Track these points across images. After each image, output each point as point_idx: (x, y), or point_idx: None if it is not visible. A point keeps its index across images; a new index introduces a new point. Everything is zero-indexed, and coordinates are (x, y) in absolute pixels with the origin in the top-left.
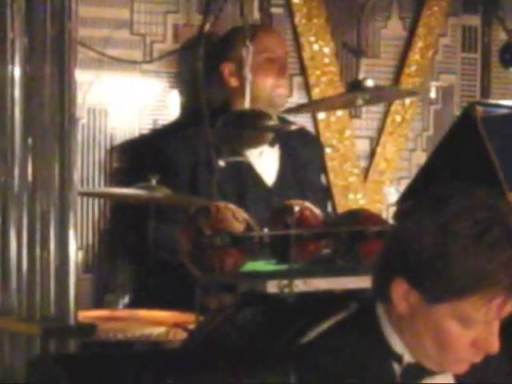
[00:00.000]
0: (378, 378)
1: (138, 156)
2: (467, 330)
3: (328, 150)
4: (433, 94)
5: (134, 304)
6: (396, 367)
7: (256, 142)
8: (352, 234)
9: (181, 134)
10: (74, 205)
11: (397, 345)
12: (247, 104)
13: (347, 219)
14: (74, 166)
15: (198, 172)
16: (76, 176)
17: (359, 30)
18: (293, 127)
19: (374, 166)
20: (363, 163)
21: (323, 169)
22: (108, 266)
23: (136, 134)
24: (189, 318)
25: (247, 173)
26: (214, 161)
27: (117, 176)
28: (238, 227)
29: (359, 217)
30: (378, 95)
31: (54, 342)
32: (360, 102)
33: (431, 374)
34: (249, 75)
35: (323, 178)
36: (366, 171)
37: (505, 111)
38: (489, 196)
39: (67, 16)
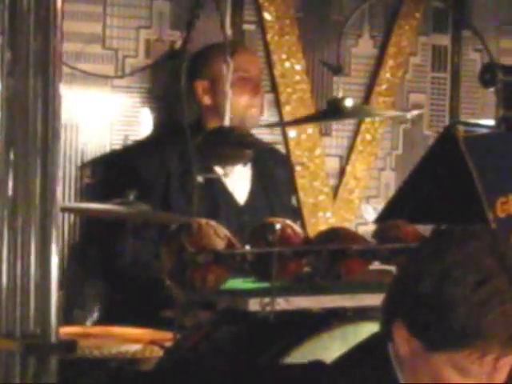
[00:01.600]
0: None
1: (110, 172)
2: (468, 379)
3: (298, 168)
4: (408, 116)
5: (102, 320)
6: None
7: (236, 160)
8: (333, 253)
9: (153, 150)
10: (56, 220)
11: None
12: (227, 121)
13: (327, 237)
14: (57, 180)
15: (171, 188)
16: (58, 191)
17: (332, 48)
18: (274, 146)
19: (344, 184)
20: (333, 181)
21: (294, 189)
22: (77, 281)
23: (107, 149)
24: (164, 336)
25: (219, 190)
26: (194, 177)
27: (87, 192)
28: (220, 244)
29: (340, 235)
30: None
31: (33, 358)
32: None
33: None
34: (229, 91)
35: (293, 199)
36: (336, 189)
37: (485, 131)
38: (497, 241)
39: (52, 29)
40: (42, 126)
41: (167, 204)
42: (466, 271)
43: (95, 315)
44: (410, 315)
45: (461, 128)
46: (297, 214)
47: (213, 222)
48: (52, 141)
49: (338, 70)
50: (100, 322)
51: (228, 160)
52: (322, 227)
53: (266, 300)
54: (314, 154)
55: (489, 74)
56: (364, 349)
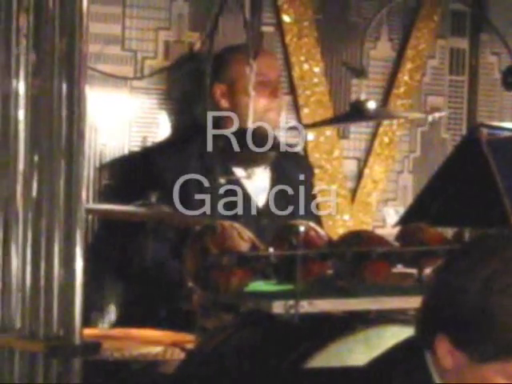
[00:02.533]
0: None
1: (129, 174)
2: None
3: (316, 171)
4: (431, 119)
5: (120, 322)
6: None
7: (259, 162)
8: (356, 255)
9: (172, 151)
10: (82, 221)
11: None
12: (250, 123)
13: (351, 240)
14: (82, 181)
15: (189, 190)
16: (84, 192)
17: (351, 50)
18: (296, 149)
19: (362, 187)
20: (350, 184)
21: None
22: (95, 283)
23: (125, 151)
24: (185, 338)
25: (238, 193)
26: (217, 178)
27: (106, 193)
28: (244, 246)
29: (363, 237)
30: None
31: (56, 360)
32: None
33: None
34: (252, 93)
35: (314, 204)
36: (354, 192)
37: (508, 134)
38: None
39: (78, 31)
40: (67, 127)
41: (186, 206)
42: (509, 279)
43: (113, 317)
44: (454, 329)
45: (484, 131)
46: (317, 218)
47: (237, 224)
48: (77, 142)
49: (360, 73)
50: (118, 324)
51: (251, 162)
52: (340, 230)
53: (290, 302)
54: (332, 156)
55: (511, 76)
56: (398, 353)
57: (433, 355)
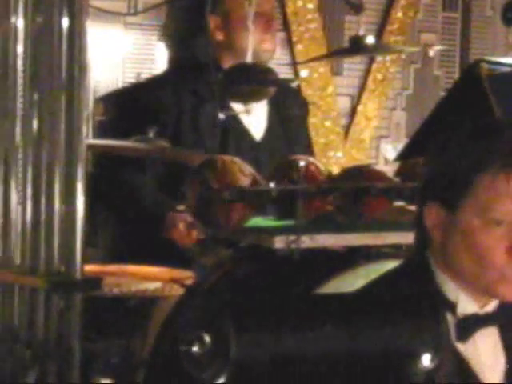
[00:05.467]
0: (431, 329)
1: (122, 109)
2: (495, 232)
3: (309, 107)
4: (431, 54)
5: (116, 259)
6: (449, 318)
7: (258, 96)
8: (356, 190)
9: (164, 86)
10: (83, 157)
11: (450, 291)
12: (250, 57)
13: (351, 175)
14: (83, 116)
15: (182, 125)
16: (85, 128)
17: None
18: (295, 83)
19: (355, 124)
20: (343, 121)
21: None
22: (89, 220)
23: (119, 87)
24: (183, 274)
25: (233, 127)
26: (217, 114)
27: (100, 129)
28: (245, 181)
29: (363, 173)
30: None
31: (57, 295)
32: None
33: (485, 324)
34: (251, 27)
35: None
36: (347, 129)
37: (508, 69)
38: None
39: None
40: (68, 61)
41: (177, 141)
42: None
43: (108, 254)
44: (438, 187)
45: (484, 66)
46: (312, 153)
47: (237, 159)
48: (79, 76)
49: (359, 8)
50: (113, 260)
51: (250, 97)
52: (333, 168)
53: (291, 237)
54: (326, 93)
55: (511, 12)
56: (397, 271)
57: (430, 248)
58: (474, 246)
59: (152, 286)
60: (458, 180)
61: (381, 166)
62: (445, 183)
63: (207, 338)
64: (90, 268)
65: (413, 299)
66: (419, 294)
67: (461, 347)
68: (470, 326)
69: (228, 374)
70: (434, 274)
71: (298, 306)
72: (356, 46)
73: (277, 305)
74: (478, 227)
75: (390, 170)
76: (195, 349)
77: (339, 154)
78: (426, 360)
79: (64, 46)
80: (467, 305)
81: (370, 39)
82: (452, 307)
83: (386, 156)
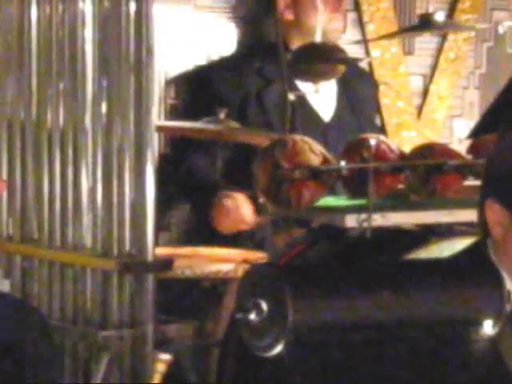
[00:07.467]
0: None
1: (190, 91)
2: None
3: (382, 88)
4: (501, 30)
5: (188, 242)
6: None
7: (329, 75)
8: (428, 168)
9: (230, 68)
10: (152, 139)
11: (506, 281)
12: (318, 37)
13: (423, 153)
14: (152, 100)
15: (247, 106)
16: (154, 110)
17: None
18: (364, 61)
19: (428, 103)
20: (416, 100)
21: (377, 107)
22: (162, 203)
23: (189, 69)
24: (255, 255)
25: (302, 108)
26: (285, 94)
27: (171, 111)
28: (315, 160)
29: (435, 150)
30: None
31: (129, 277)
32: None
33: None
34: (320, 6)
35: (377, 118)
36: (420, 109)
37: None
38: None
39: None
40: (135, 45)
41: (244, 122)
42: None
43: (181, 237)
44: (499, 185)
45: None
46: (382, 132)
47: (307, 138)
48: (146, 60)
49: None
50: (185, 243)
51: (319, 76)
52: (406, 147)
53: (363, 216)
54: (398, 72)
55: None
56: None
57: (490, 239)
58: None
59: (225, 267)
60: None
61: (454, 146)
62: (505, 184)
63: (264, 306)
64: (162, 250)
65: (476, 269)
66: (483, 267)
67: None
68: None
69: (285, 341)
70: (493, 261)
71: (356, 274)
72: (425, 23)
73: (334, 272)
74: None
75: (463, 149)
76: (252, 316)
77: (412, 134)
78: (488, 326)
79: (131, 30)
80: None
81: (440, 16)
82: (508, 294)
83: (458, 133)
